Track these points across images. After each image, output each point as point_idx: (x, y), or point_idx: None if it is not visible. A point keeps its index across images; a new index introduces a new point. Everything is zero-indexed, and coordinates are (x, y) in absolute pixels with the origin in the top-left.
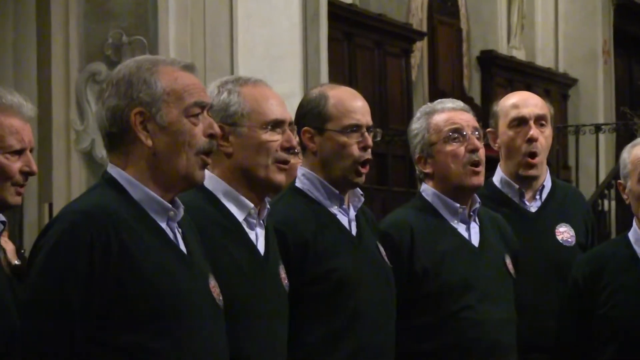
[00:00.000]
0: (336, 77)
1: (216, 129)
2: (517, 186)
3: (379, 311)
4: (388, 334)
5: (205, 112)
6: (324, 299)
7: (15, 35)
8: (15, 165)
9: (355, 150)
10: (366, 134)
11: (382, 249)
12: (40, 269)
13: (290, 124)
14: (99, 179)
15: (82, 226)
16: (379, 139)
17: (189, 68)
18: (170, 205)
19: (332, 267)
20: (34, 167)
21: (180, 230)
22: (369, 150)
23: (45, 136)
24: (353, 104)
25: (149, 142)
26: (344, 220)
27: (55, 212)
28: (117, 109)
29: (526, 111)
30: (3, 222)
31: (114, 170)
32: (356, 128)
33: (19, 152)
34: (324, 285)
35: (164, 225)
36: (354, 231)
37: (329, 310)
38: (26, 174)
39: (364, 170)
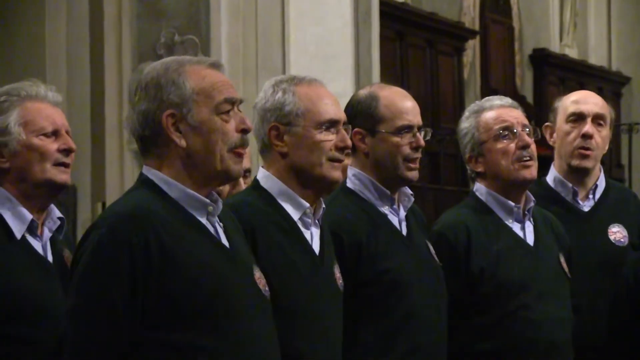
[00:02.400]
0: (388, 75)
1: (248, 123)
2: (570, 185)
3: (431, 311)
4: (440, 333)
5: (235, 108)
6: (377, 299)
7: (69, 35)
8: (52, 145)
9: (406, 149)
10: (418, 134)
11: (431, 248)
12: (82, 273)
13: (344, 123)
14: (136, 182)
15: (121, 229)
16: (429, 138)
17: (215, 66)
18: (208, 200)
19: (385, 268)
20: (72, 144)
21: (221, 224)
22: (420, 150)
23: (98, 136)
24: (404, 105)
25: (183, 143)
26: (394, 220)
27: None
28: (148, 113)
29: (585, 107)
30: (61, 219)
31: (149, 172)
32: (408, 129)
33: (55, 134)
34: (377, 286)
35: (204, 220)
36: (404, 231)
37: (382, 311)
38: (66, 151)
39: (414, 166)
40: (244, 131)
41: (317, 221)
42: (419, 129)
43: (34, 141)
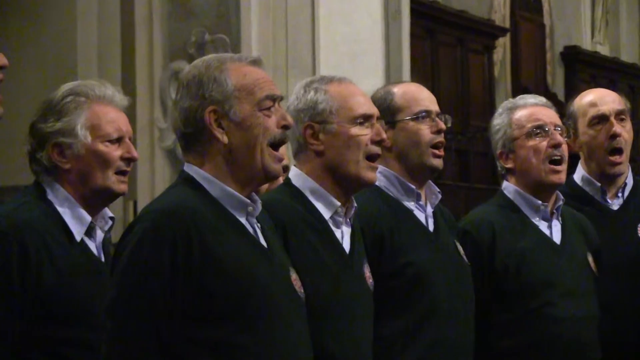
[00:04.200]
0: (418, 73)
1: (289, 119)
2: (598, 184)
3: (455, 307)
4: (465, 329)
5: (277, 104)
6: (400, 293)
7: (100, 34)
8: (116, 152)
9: (427, 134)
10: (437, 119)
11: (460, 248)
12: (124, 268)
13: (377, 118)
14: (177, 179)
15: (164, 225)
16: (449, 124)
17: (256, 62)
18: (248, 201)
19: (408, 261)
20: (135, 153)
21: (259, 225)
22: (442, 133)
23: None
24: (420, 94)
25: (225, 139)
26: (420, 216)
27: (140, 209)
28: (190, 110)
29: (606, 108)
30: (112, 218)
31: (191, 169)
32: (426, 113)
33: (118, 141)
34: (399, 280)
35: (243, 220)
36: (430, 227)
37: (405, 305)
38: (128, 160)
39: (439, 153)
40: (285, 127)
41: (348, 220)
42: (438, 115)
43: (99, 147)
